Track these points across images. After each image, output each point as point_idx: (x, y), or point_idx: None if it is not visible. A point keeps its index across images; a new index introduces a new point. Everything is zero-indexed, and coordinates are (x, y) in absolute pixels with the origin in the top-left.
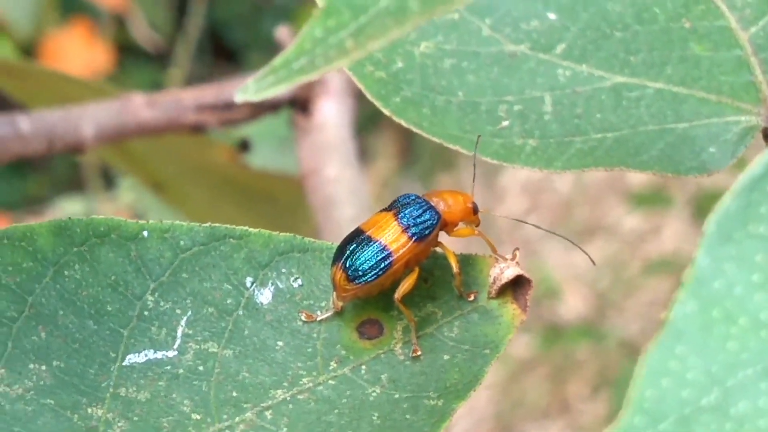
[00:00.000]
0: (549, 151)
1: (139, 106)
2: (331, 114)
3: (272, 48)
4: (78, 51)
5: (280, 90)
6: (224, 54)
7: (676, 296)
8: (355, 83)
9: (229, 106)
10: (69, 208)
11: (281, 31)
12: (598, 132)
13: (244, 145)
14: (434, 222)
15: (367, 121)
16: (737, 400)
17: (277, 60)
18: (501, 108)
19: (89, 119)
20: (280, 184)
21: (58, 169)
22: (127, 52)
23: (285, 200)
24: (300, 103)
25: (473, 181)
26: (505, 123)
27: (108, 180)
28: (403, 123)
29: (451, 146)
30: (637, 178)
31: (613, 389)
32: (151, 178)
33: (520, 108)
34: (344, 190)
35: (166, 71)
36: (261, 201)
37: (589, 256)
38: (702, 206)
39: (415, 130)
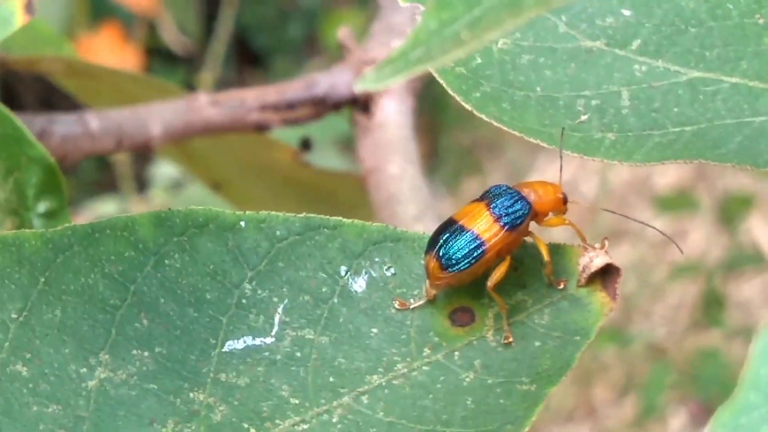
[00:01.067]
0: (628, 144)
1: (204, 105)
2: (392, 112)
3: (297, 52)
4: (108, 54)
5: (399, 80)
6: (249, 58)
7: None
8: (416, 83)
9: (292, 105)
10: (102, 209)
11: (343, 32)
12: (676, 126)
13: (305, 144)
14: (525, 212)
15: None
16: None
17: (394, 51)
18: (579, 102)
19: (156, 117)
20: (341, 183)
21: (86, 171)
22: (156, 55)
23: (346, 199)
24: (361, 103)
25: (560, 171)
26: (584, 117)
27: (139, 181)
28: (485, 117)
29: (532, 139)
30: (663, 181)
31: (639, 393)
32: (212, 177)
33: (598, 102)
34: (406, 187)
35: (194, 75)
36: (322, 200)
37: (678, 246)
38: (728, 210)
39: (496, 124)
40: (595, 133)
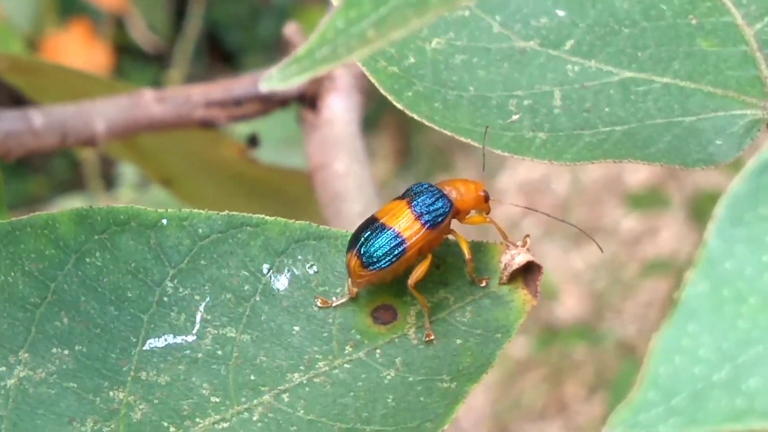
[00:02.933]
0: (558, 143)
1: (149, 102)
2: (339, 110)
3: (269, 50)
4: (77, 51)
5: (304, 79)
6: (221, 55)
7: (688, 277)
8: (364, 80)
9: (238, 102)
10: (69, 206)
11: (290, 28)
12: (607, 125)
13: (252, 141)
14: (447, 210)
15: (366, 123)
16: (748, 376)
17: (300, 50)
18: (511, 102)
19: (101, 114)
20: (289, 179)
21: (57, 169)
22: (125, 53)
23: (294, 195)
24: (308, 99)
25: (483, 170)
26: (516, 117)
27: (108, 180)
28: (416, 117)
29: (462, 139)
30: (635, 179)
31: (610, 390)
32: (161, 173)
33: (530, 102)
34: (352, 185)
35: (164, 72)
36: (270, 196)
37: (598, 245)
38: (699, 208)
39: (427, 123)
40: (527, 133)
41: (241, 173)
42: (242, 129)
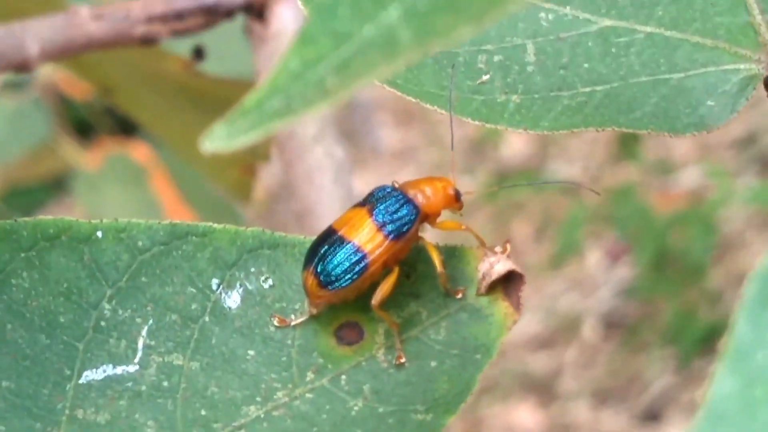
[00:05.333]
0: (534, 108)
1: (86, 20)
2: (289, 20)
3: None
4: None
5: (253, 137)
6: None
7: (714, 371)
8: None
9: (180, 15)
10: None
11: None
12: (587, 85)
13: (197, 53)
14: (412, 217)
15: None
16: None
17: (248, 100)
18: (480, 59)
19: (33, 35)
20: (238, 91)
21: None
22: None
23: None
24: (255, 9)
25: (452, 149)
26: (486, 77)
27: None
28: (375, 81)
29: (429, 106)
30: None
31: (556, 230)
32: (102, 82)
33: (501, 59)
34: None
35: None
36: (218, 108)
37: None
38: None
39: (388, 88)
40: (499, 96)
41: (187, 85)
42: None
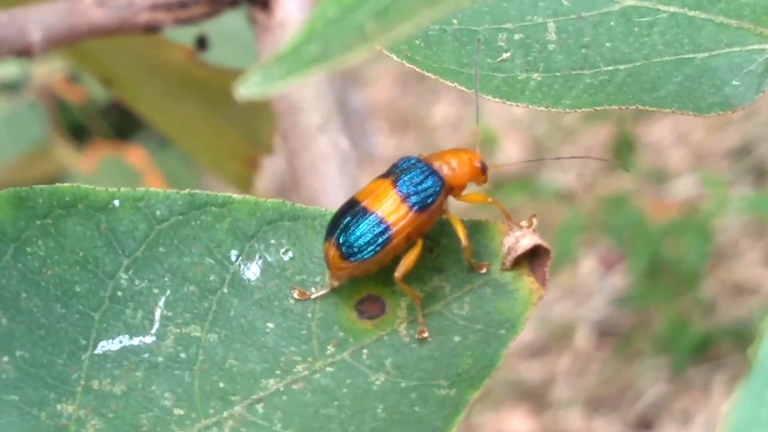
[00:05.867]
0: (555, 87)
1: (89, 7)
2: (294, 10)
3: None
4: None
5: (290, 83)
6: None
7: (763, 329)
8: None
9: (184, 3)
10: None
11: None
12: (609, 64)
13: (201, 43)
14: (437, 189)
15: None
16: None
17: (285, 46)
18: (500, 37)
19: (36, 22)
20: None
21: None
22: None
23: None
24: None
25: (477, 123)
26: (506, 55)
27: None
28: (395, 57)
29: (449, 83)
30: None
31: (551, 238)
32: (103, 73)
33: (522, 37)
34: (309, 94)
35: None
36: (221, 100)
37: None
38: None
39: (408, 65)
40: (519, 74)
41: (190, 76)
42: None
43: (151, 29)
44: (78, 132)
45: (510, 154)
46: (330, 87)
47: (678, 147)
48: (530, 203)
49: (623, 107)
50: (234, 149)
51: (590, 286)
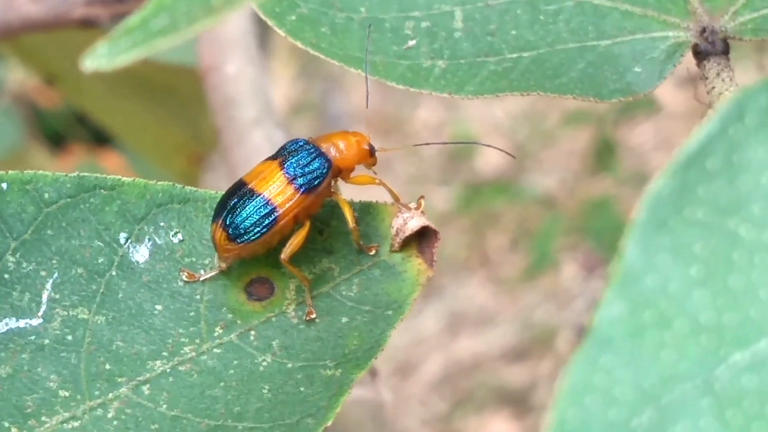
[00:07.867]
0: (459, 74)
1: (23, 1)
2: None
3: None
4: None
5: (137, 55)
6: None
7: (601, 296)
8: None
9: None
10: None
11: None
12: (513, 51)
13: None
14: (324, 171)
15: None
16: (675, 421)
17: (133, 18)
18: (407, 25)
19: None
20: (181, 78)
21: None
22: None
23: (187, 95)
24: None
25: (366, 107)
26: (412, 42)
27: None
28: (300, 45)
29: (352, 69)
30: None
31: (531, 242)
32: (45, 69)
33: (428, 25)
34: (246, 88)
35: None
36: (162, 94)
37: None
38: None
39: (313, 52)
40: (424, 61)
41: (131, 71)
42: None
43: (87, 24)
44: (53, 137)
45: (491, 158)
46: (266, 82)
47: (660, 151)
48: (511, 207)
49: (525, 94)
50: (179, 145)
51: (572, 290)
